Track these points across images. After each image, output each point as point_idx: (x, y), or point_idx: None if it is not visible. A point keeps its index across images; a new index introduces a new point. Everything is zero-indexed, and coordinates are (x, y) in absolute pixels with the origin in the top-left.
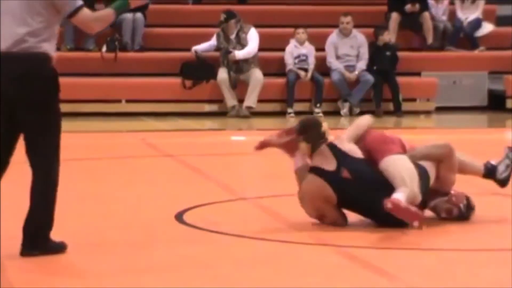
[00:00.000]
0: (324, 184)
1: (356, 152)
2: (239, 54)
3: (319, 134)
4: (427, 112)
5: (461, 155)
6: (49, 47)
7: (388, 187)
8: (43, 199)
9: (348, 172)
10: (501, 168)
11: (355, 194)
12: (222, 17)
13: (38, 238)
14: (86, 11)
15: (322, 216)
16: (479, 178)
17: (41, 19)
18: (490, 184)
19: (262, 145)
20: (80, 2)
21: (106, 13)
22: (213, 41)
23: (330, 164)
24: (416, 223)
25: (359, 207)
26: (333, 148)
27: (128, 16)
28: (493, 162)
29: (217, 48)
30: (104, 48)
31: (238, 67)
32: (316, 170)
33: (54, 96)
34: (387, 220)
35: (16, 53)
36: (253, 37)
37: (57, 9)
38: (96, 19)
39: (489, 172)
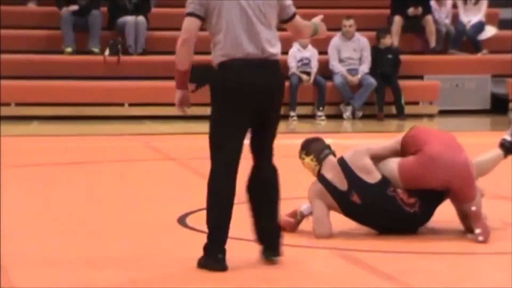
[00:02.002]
0: (327, 195)
1: (369, 171)
2: None
3: (321, 146)
4: (430, 116)
5: (477, 160)
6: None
7: (399, 214)
8: (275, 200)
9: (358, 197)
10: None
11: (362, 219)
12: None
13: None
14: (298, 16)
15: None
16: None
17: (275, 24)
18: (491, 187)
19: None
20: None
21: (310, 24)
22: None
23: (341, 183)
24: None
25: (366, 226)
26: (344, 166)
27: (131, 19)
28: (507, 137)
29: None
30: (106, 52)
31: None
32: (323, 180)
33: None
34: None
35: (267, 60)
36: None
37: (281, 14)
38: (306, 25)
39: (509, 149)
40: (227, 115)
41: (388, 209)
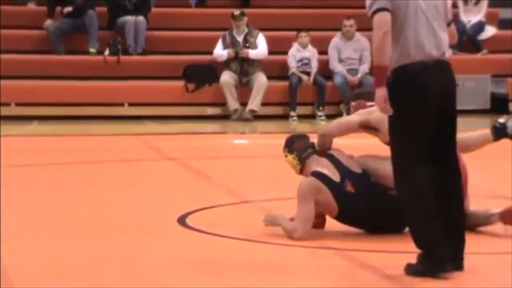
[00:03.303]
0: (324, 189)
1: (353, 163)
2: (252, 52)
3: (304, 145)
4: None
5: (464, 136)
6: None
7: (392, 203)
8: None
9: (352, 185)
10: (510, 123)
11: (358, 209)
12: (238, 11)
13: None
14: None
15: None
16: (484, 146)
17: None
18: (491, 186)
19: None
20: None
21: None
22: (219, 45)
23: (334, 175)
24: None
25: (360, 221)
26: (332, 159)
27: (130, 19)
28: (501, 120)
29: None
30: (106, 51)
31: (244, 70)
32: (319, 175)
33: None
34: (384, 231)
35: (445, 62)
36: (262, 41)
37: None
38: (455, 32)
39: (499, 132)
40: (410, 121)
41: (377, 196)
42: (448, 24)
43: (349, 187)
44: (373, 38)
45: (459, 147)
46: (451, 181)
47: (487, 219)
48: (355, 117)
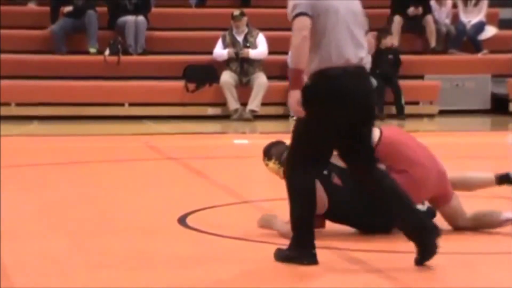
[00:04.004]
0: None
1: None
2: (252, 52)
3: (280, 150)
4: (430, 115)
5: (465, 173)
6: None
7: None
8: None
9: (339, 178)
10: None
11: (346, 202)
12: (237, 12)
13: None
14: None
15: None
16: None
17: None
18: (491, 187)
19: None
20: None
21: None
22: (219, 45)
23: None
24: None
25: (346, 215)
26: None
27: (131, 19)
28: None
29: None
30: (107, 52)
31: (244, 70)
32: None
33: None
34: (373, 230)
35: (363, 68)
36: (262, 41)
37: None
38: (371, 41)
39: (502, 180)
40: (321, 124)
41: (362, 191)
42: (365, 33)
43: (336, 180)
44: (292, 41)
45: (462, 185)
46: (381, 181)
47: (501, 223)
48: None
